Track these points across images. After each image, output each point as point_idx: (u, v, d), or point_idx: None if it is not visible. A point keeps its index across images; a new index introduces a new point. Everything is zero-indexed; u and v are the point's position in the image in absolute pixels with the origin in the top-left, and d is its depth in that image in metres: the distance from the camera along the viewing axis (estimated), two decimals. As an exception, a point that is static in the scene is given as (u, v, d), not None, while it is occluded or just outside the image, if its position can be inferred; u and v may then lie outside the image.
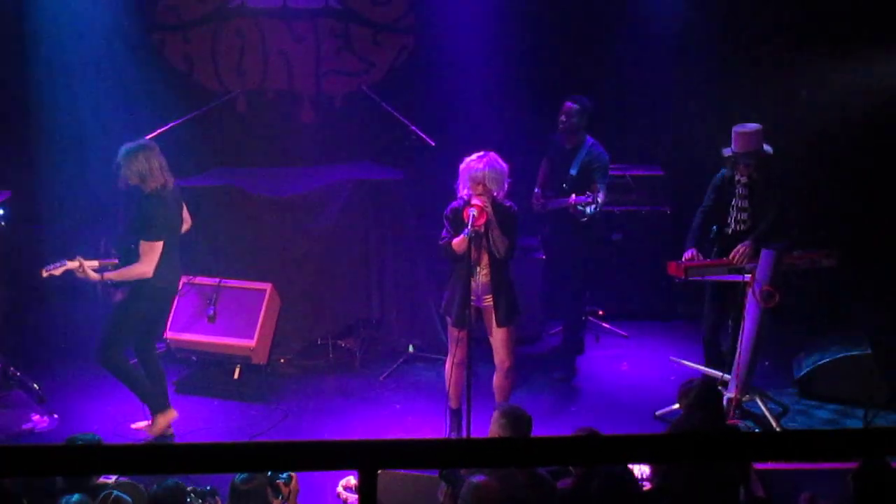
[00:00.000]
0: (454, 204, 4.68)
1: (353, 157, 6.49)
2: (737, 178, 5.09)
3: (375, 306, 5.89)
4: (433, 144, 5.71)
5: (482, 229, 4.51)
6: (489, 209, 4.51)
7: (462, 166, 4.61)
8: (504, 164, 4.56)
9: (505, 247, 4.57)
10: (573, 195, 5.38)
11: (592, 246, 5.70)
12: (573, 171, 5.54)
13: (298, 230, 5.77)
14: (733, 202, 5.10)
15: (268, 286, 5.51)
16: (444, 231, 4.67)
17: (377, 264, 5.89)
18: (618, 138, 5.91)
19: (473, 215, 4.39)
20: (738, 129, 5.01)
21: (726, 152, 5.06)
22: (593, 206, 5.25)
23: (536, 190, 5.65)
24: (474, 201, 4.53)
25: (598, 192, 5.34)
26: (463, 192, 4.61)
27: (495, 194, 4.58)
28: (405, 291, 5.92)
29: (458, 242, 4.57)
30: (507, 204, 4.65)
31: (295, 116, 6.63)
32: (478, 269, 4.66)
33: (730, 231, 5.10)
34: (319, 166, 6.32)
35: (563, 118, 5.49)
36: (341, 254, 5.81)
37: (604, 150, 5.52)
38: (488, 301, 4.72)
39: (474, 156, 4.60)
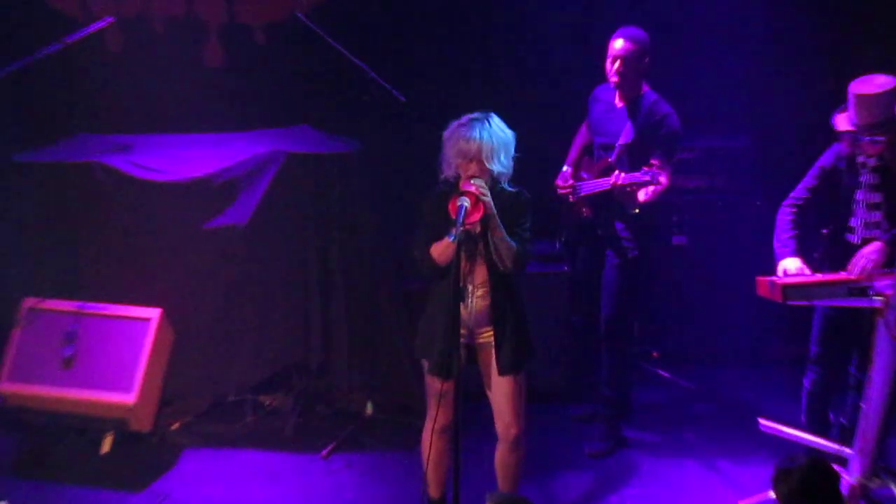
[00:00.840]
0: (436, 190, 4.63)
1: (284, 119, 6.44)
2: (860, 160, 5.02)
3: (317, 345, 5.88)
4: (403, 100, 5.68)
5: (477, 228, 4.46)
6: (487, 198, 4.38)
7: (447, 133, 4.49)
8: (509, 130, 4.46)
9: (512, 255, 4.46)
10: (618, 172, 5.34)
11: (645, 254, 5.66)
12: (625, 139, 5.51)
13: (201, 231, 5.75)
14: (857, 195, 5.07)
15: (155, 314, 5.51)
16: (420, 231, 4.59)
17: (320, 283, 5.85)
18: (675, 97, 5.81)
19: (465, 208, 4.27)
20: (859, 87, 4.90)
21: (840, 122, 5.01)
22: (650, 191, 5.23)
23: (566, 168, 5.69)
24: (465, 186, 4.40)
25: (661, 170, 5.31)
26: (448, 172, 4.52)
27: (496, 176, 4.49)
28: (361, 323, 5.87)
29: (442, 249, 4.50)
30: (514, 190, 4.56)
31: (195, 58, 6.65)
32: (470, 288, 4.58)
33: (853, 236, 5.08)
34: (233, 134, 6.25)
35: (612, 63, 5.51)
36: (267, 266, 5.80)
37: (672, 109, 5.50)
38: (486, 336, 4.65)
39: (464, 118, 4.50)
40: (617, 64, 5.42)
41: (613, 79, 5.46)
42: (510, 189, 4.55)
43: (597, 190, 5.54)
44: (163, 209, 5.73)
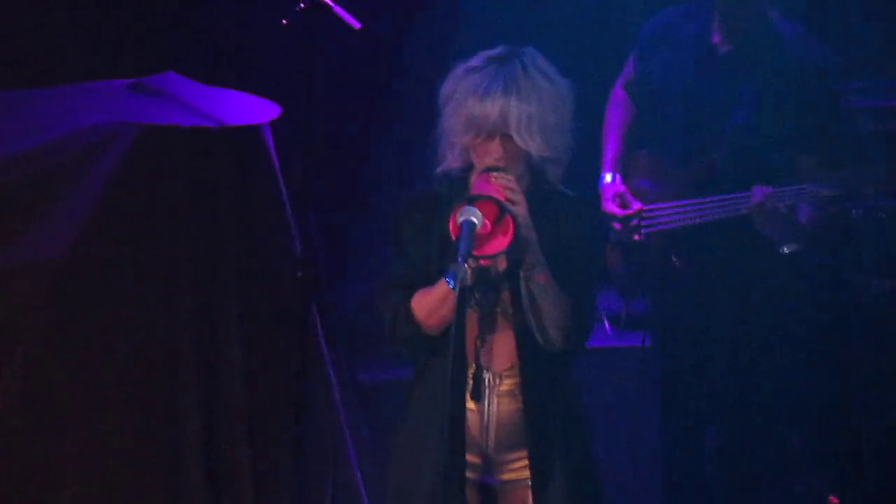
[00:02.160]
0: (422, 193, 3.76)
1: (131, 64, 5.44)
2: None
3: (193, 485, 4.83)
4: (358, 27, 4.64)
5: (500, 265, 3.59)
6: (521, 209, 3.48)
7: (446, 87, 3.65)
8: (560, 79, 3.64)
9: (564, 317, 3.56)
10: (757, 189, 4.57)
11: (803, 318, 4.93)
12: (743, 116, 4.68)
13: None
14: None
15: None
16: (394, 271, 3.75)
17: (200, 367, 4.79)
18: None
19: (473, 225, 3.40)
20: None
21: None
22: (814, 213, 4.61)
23: (609, 176, 4.89)
24: (479, 186, 3.53)
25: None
26: (450, 160, 3.68)
27: (538, 166, 3.62)
28: (274, 437, 4.81)
29: (433, 302, 3.59)
30: (571, 195, 3.70)
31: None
32: (487, 378, 3.63)
33: None
34: (35, 91, 5.20)
35: None
36: (100, 340, 4.76)
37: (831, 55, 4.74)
38: (516, 470, 3.71)
39: (478, 58, 3.63)
40: None
41: None
42: (564, 193, 3.69)
43: (700, 218, 4.69)
44: None
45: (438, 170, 3.60)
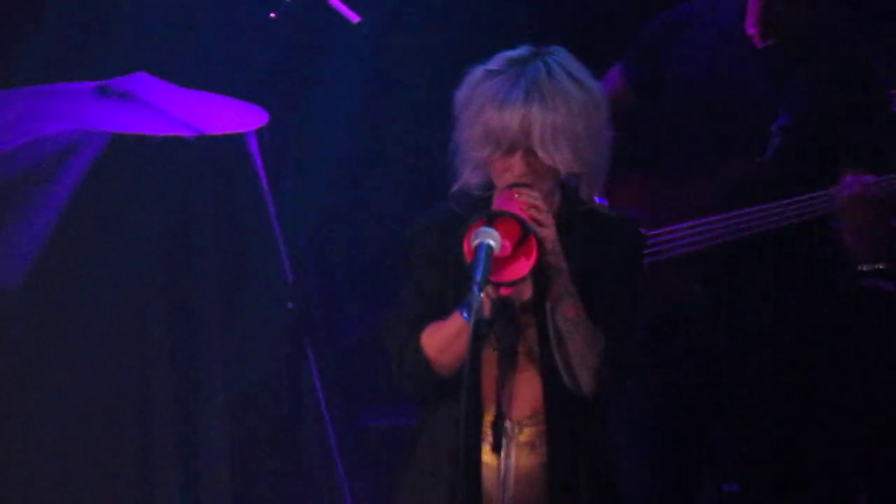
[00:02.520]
0: (436, 215, 3.56)
1: (104, 65, 5.25)
2: None
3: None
4: (357, 21, 4.73)
5: (523, 295, 3.39)
6: (548, 231, 3.27)
7: (463, 93, 3.43)
8: (591, 81, 3.44)
9: (596, 359, 3.36)
10: (850, 179, 4.35)
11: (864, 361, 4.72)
12: (791, 117, 4.41)
13: None
14: None
15: None
16: (403, 302, 3.54)
17: (176, 406, 4.90)
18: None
19: (490, 248, 3.21)
20: None
21: None
22: None
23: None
24: (501, 203, 3.31)
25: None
26: (469, 176, 3.47)
27: (569, 182, 3.43)
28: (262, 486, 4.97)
29: (447, 337, 3.36)
30: (610, 213, 3.60)
31: None
32: (507, 426, 3.43)
33: None
34: (2, 93, 5.06)
35: None
36: (66, 380, 4.89)
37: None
38: None
39: (498, 59, 3.43)
40: None
41: None
42: (600, 211, 3.53)
43: (740, 233, 4.47)
44: None
45: (455, 187, 3.39)
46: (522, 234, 3.14)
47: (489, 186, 3.32)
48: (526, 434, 3.31)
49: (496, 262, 3.12)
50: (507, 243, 3.13)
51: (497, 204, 3.22)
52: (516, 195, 3.18)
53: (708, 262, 4.40)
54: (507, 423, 3.31)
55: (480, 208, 3.28)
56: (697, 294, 4.42)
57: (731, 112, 4.43)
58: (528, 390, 3.31)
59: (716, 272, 4.42)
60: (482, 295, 3.07)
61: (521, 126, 3.22)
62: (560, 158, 3.21)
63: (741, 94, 4.41)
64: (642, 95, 4.62)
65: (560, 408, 3.30)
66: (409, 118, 5.17)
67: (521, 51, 3.33)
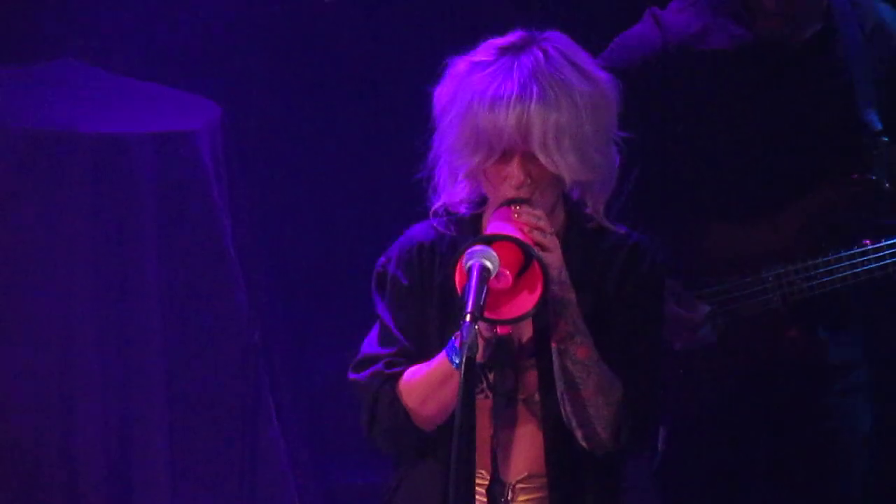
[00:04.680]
0: (417, 234, 3.26)
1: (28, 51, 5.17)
2: None
3: None
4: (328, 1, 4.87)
5: (522, 334, 3.12)
6: (555, 255, 2.96)
7: (445, 90, 3.09)
8: (599, 73, 3.10)
9: (612, 409, 3.05)
10: None
11: None
12: (870, 118, 4.13)
13: None
14: None
15: None
16: (378, 340, 3.17)
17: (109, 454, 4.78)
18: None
19: (484, 272, 2.88)
20: None
21: None
22: None
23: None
24: (495, 224, 2.99)
25: None
26: (451, 191, 3.18)
27: (574, 194, 3.14)
28: None
29: (430, 384, 3.06)
30: (623, 232, 3.24)
31: None
32: (506, 492, 3.13)
33: None
34: None
35: None
36: None
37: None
38: None
39: (489, 47, 3.11)
40: None
41: None
42: (612, 230, 3.18)
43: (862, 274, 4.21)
44: None
45: (436, 206, 3.08)
46: (524, 262, 2.83)
47: (480, 202, 3.04)
48: (521, 499, 3.01)
49: (494, 297, 2.82)
50: (507, 272, 2.82)
51: (492, 225, 2.91)
52: (515, 214, 2.88)
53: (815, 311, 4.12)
54: (505, 489, 3.02)
55: (470, 228, 3.03)
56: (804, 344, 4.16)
57: (778, 134, 4.11)
58: (527, 447, 3.02)
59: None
60: (475, 330, 2.73)
61: (518, 126, 2.91)
62: (565, 164, 2.90)
63: (789, 108, 4.09)
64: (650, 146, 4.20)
65: (565, 468, 3.01)
66: (389, 119, 4.99)
67: (511, 37, 3.01)
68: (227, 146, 4.85)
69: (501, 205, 2.92)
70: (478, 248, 2.80)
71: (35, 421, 4.81)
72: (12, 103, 4.86)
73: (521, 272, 2.82)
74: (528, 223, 2.84)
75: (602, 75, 3.04)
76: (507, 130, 2.90)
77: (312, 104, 5.32)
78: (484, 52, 3.00)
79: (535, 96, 2.93)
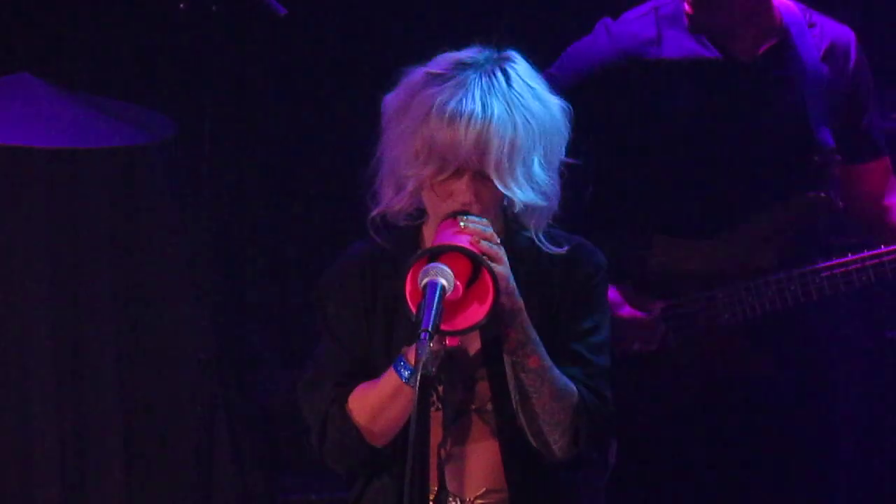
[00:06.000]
0: (356, 250, 3.23)
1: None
2: None
3: None
4: (283, 13, 4.40)
5: (468, 346, 3.11)
6: (503, 266, 2.93)
7: (396, 99, 3.08)
8: (551, 96, 3.08)
9: (567, 416, 3.02)
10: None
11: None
12: (824, 136, 4.20)
13: None
14: None
15: None
16: (322, 360, 3.14)
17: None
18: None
19: (442, 289, 2.84)
20: None
21: None
22: None
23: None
24: (444, 235, 2.97)
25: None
26: (394, 200, 3.11)
27: (520, 213, 3.11)
28: None
29: (379, 401, 3.04)
30: (562, 248, 3.19)
31: None
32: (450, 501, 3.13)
33: None
34: None
35: None
36: None
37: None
38: None
39: (444, 61, 3.09)
40: None
41: None
42: (552, 249, 3.12)
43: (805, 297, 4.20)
44: None
45: (374, 213, 3.02)
46: (472, 273, 2.82)
47: (417, 215, 3.02)
48: None
49: (444, 309, 2.79)
50: (458, 283, 2.80)
51: (441, 236, 2.88)
52: (462, 224, 2.83)
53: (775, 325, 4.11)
54: (454, 500, 2.99)
55: (410, 241, 3.00)
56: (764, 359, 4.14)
57: (744, 152, 4.12)
58: (482, 461, 2.96)
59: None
60: (429, 350, 2.72)
61: (476, 146, 2.87)
62: (517, 187, 2.89)
63: (750, 126, 4.08)
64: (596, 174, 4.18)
65: (524, 480, 2.96)
66: (343, 130, 4.90)
67: (471, 52, 2.98)
68: (182, 162, 4.77)
69: (448, 216, 2.88)
70: (432, 265, 2.78)
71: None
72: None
73: (470, 283, 2.79)
74: (476, 233, 2.81)
75: (556, 101, 3.03)
76: (464, 147, 2.87)
77: (281, 115, 5.25)
78: (441, 64, 2.97)
79: (495, 116, 2.91)
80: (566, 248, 2.99)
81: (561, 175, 3.01)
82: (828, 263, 3.92)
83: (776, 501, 4.18)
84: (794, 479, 4.17)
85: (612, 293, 3.90)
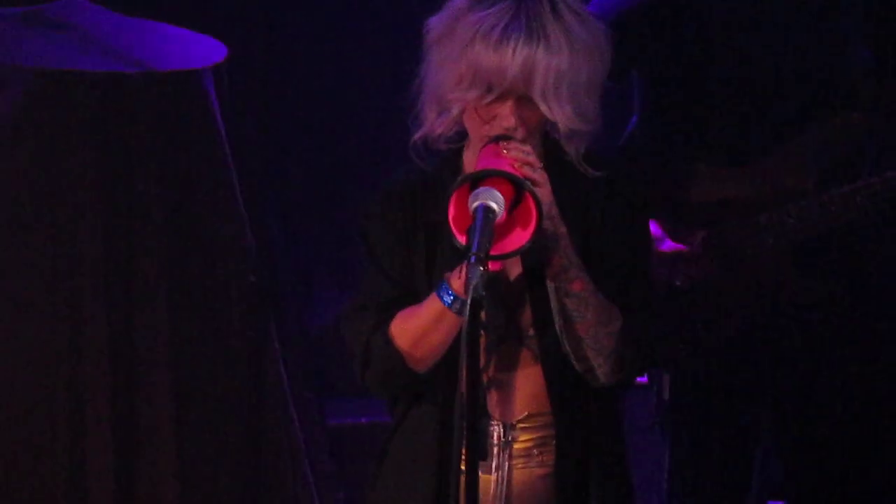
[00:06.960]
0: (398, 176, 3.19)
1: None
2: None
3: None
4: None
5: (510, 271, 3.08)
6: (546, 190, 2.89)
7: (440, 22, 3.02)
8: (595, 21, 3.00)
9: (611, 339, 2.99)
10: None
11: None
12: (861, 57, 4.14)
13: None
14: None
15: None
16: (365, 287, 3.14)
17: (115, 408, 4.51)
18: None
19: (490, 212, 2.79)
20: None
21: None
22: None
23: None
24: (486, 160, 2.89)
25: None
26: (435, 125, 3.04)
27: (565, 138, 3.02)
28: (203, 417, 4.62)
29: (423, 326, 3.00)
30: (599, 174, 3.14)
31: None
32: (497, 430, 3.06)
33: None
34: None
35: None
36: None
37: None
38: None
39: None
40: None
41: None
42: (593, 173, 3.08)
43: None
44: None
45: (416, 136, 3.01)
46: (516, 197, 2.79)
47: (457, 138, 2.98)
48: (521, 441, 2.95)
49: (493, 232, 2.77)
50: (505, 211, 2.79)
51: (483, 161, 2.84)
52: (504, 150, 2.82)
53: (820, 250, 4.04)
54: (498, 429, 2.98)
55: (451, 164, 2.99)
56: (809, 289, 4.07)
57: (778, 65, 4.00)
58: (525, 386, 2.95)
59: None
60: (480, 273, 2.69)
61: (522, 70, 2.86)
62: (560, 112, 2.87)
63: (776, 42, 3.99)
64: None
65: (568, 404, 2.95)
66: (391, 61, 4.69)
67: None
68: (233, 87, 4.65)
69: (489, 141, 2.87)
70: (482, 188, 2.78)
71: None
72: (16, 43, 4.66)
73: (513, 207, 2.78)
74: (518, 158, 2.81)
75: (600, 25, 3.00)
76: (510, 71, 2.86)
77: (318, 46, 5.23)
78: None
79: (541, 41, 2.90)
80: (607, 172, 3.00)
81: (602, 100, 3.00)
82: (870, 181, 3.85)
83: (842, 438, 4.06)
84: (869, 418, 4.07)
85: (653, 227, 3.82)
